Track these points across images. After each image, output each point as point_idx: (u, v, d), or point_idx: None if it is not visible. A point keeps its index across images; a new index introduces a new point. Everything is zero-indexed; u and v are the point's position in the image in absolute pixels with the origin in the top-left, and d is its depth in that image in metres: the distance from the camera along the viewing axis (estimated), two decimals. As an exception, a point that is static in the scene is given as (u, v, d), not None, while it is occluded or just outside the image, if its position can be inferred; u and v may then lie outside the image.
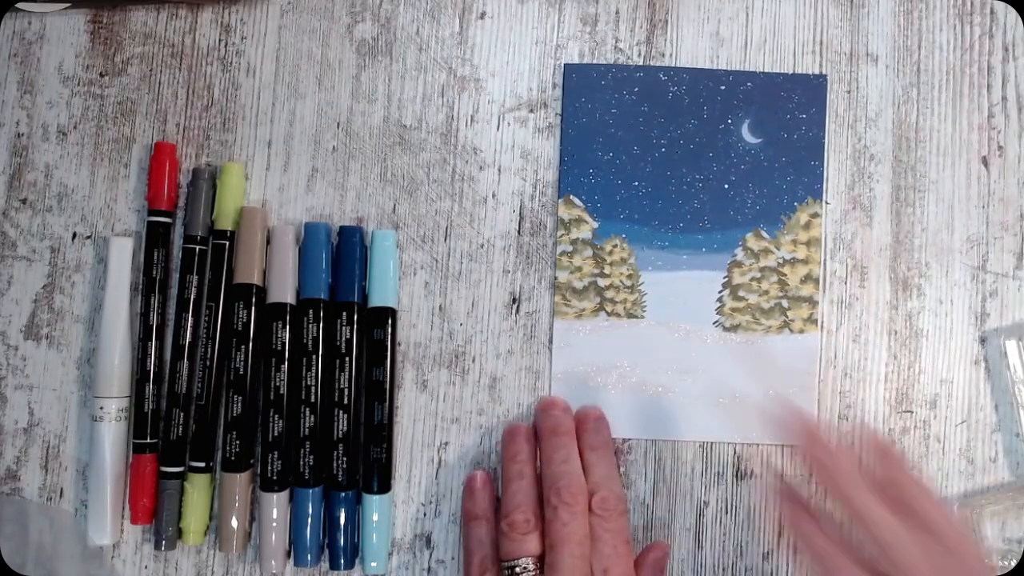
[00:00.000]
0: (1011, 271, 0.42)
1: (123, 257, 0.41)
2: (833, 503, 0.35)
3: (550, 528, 0.35)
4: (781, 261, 0.42)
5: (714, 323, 0.41)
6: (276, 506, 0.39)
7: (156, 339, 0.41)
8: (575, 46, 0.42)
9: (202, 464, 0.40)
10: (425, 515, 0.41)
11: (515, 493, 0.37)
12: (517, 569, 0.35)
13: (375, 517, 0.40)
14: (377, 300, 0.40)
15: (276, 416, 0.39)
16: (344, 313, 0.40)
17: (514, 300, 0.42)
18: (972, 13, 0.43)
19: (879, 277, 0.42)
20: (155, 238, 0.41)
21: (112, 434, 0.40)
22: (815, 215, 0.42)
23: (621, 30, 0.42)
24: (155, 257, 0.41)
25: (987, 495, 0.40)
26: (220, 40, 0.42)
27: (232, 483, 0.40)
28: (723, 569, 0.41)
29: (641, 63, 0.42)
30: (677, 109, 0.42)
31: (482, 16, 0.43)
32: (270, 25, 0.42)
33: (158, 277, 0.41)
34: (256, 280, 0.40)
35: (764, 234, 0.42)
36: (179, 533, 0.40)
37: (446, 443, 0.41)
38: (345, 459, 0.40)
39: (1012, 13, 0.42)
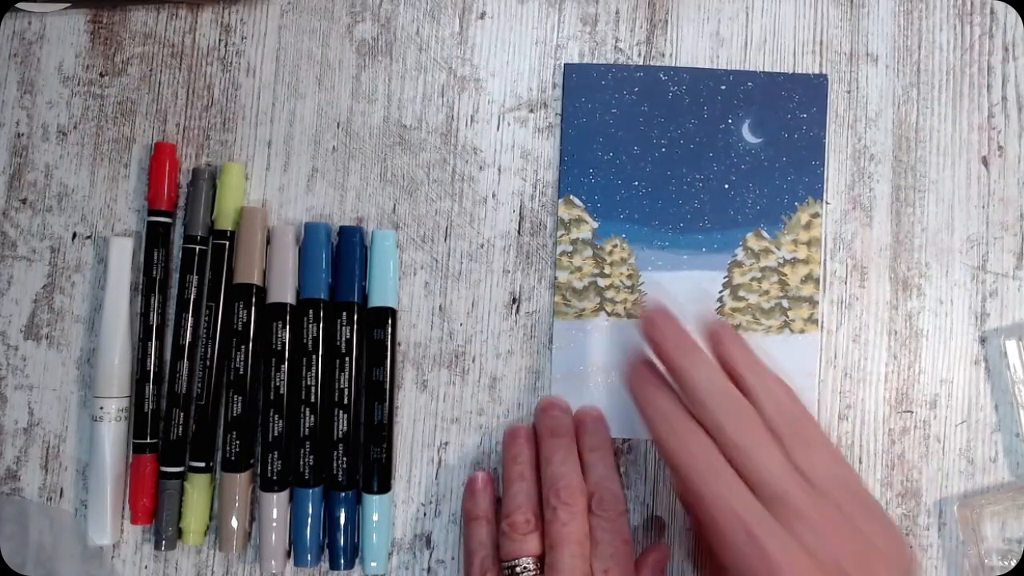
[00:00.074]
0: (1011, 271, 0.42)
1: (123, 257, 0.41)
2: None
3: (549, 529, 0.36)
4: (782, 261, 0.42)
5: (714, 323, 0.41)
6: (276, 506, 0.39)
7: (156, 339, 0.41)
8: (575, 46, 0.42)
9: (202, 464, 0.40)
10: (425, 515, 0.41)
11: (516, 494, 0.37)
12: (518, 569, 0.35)
13: (375, 517, 0.40)
14: (377, 300, 0.40)
15: (276, 416, 0.39)
16: (344, 313, 0.40)
17: (514, 300, 0.42)
18: (972, 13, 0.43)
19: (879, 277, 0.42)
20: (155, 238, 0.41)
21: (112, 434, 0.40)
22: (816, 215, 0.42)
23: (621, 30, 0.42)
24: (155, 257, 0.41)
25: (987, 495, 0.40)
26: (220, 40, 0.42)
27: (232, 483, 0.40)
28: (723, 569, 0.41)
29: (641, 63, 0.42)
30: (677, 109, 0.42)
31: (482, 16, 0.43)
32: (270, 25, 0.42)
33: (158, 277, 0.41)
34: (256, 280, 0.40)
35: (764, 234, 0.42)
36: (179, 533, 0.40)
37: (446, 443, 0.41)
38: (345, 459, 0.40)
39: (1012, 13, 0.42)
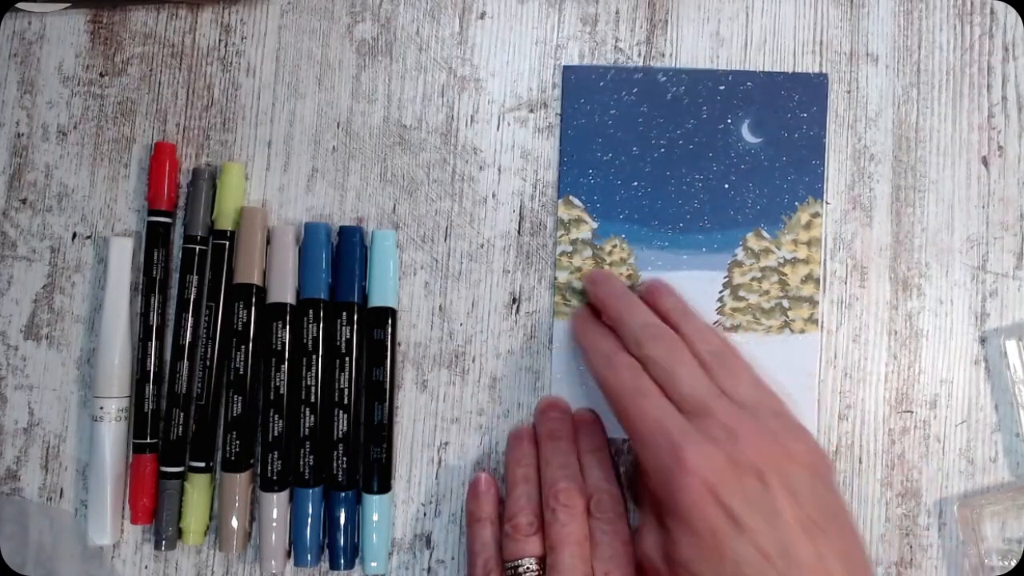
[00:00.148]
0: (1011, 271, 0.42)
1: (123, 257, 0.41)
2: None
3: (550, 531, 0.36)
4: (782, 261, 0.41)
5: (715, 323, 0.41)
6: (276, 506, 0.39)
7: (156, 339, 0.41)
8: (575, 46, 0.42)
9: (202, 464, 0.40)
10: (425, 515, 0.41)
11: (519, 497, 0.37)
12: (520, 570, 0.35)
13: (375, 517, 0.40)
14: (377, 300, 0.40)
15: (276, 416, 0.39)
16: (344, 313, 0.40)
17: (514, 300, 0.42)
18: (972, 13, 0.42)
19: (879, 277, 0.42)
20: (155, 238, 0.41)
21: (112, 434, 0.40)
22: (816, 215, 0.42)
23: (621, 30, 0.42)
24: (155, 257, 0.41)
25: (987, 495, 0.40)
26: (220, 40, 0.42)
27: (232, 483, 0.40)
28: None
29: (641, 63, 0.42)
30: (676, 109, 0.42)
31: (482, 16, 0.43)
32: (270, 25, 0.42)
33: (158, 277, 0.41)
34: (256, 280, 0.40)
35: (764, 234, 0.42)
36: (179, 533, 0.40)
37: (446, 443, 0.41)
38: (345, 459, 0.40)
39: (1012, 13, 0.42)
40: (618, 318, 0.38)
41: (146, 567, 0.41)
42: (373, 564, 0.40)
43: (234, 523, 0.40)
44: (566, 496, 0.36)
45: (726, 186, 0.42)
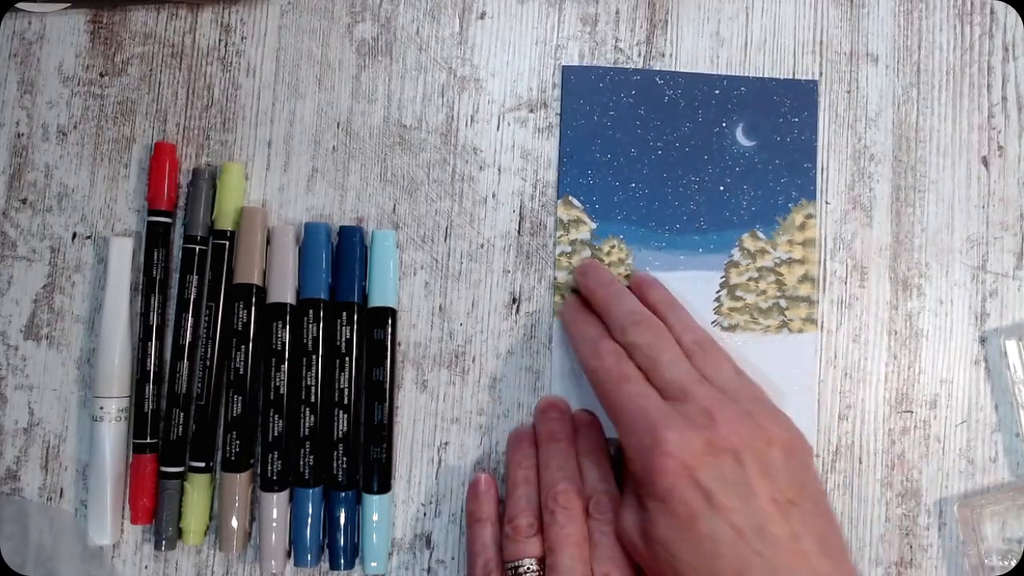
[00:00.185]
0: (1011, 271, 0.42)
1: (123, 257, 0.41)
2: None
3: (548, 532, 0.36)
4: (778, 261, 0.42)
5: (712, 323, 0.41)
6: (276, 506, 0.39)
7: (156, 339, 0.41)
8: (575, 46, 0.42)
9: (202, 464, 0.40)
10: (425, 515, 0.41)
11: (519, 498, 0.37)
12: (521, 570, 0.36)
13: (375, 517, 0.40)
14: (377, 300, 0.40)
15: (276, 416, 0.39)
16: (344, 313, 0.40)
17: (514, 300, 0.42)
18: (972, 13, 0.42)
19: (879, 277, 0.42)
20: (155, 238, 0.41)
21: (112, 434, 0.40)
22: (810, 216, 0.42)
23: (621, 30, 0.42)
24: (155, 257, 0.41)
25: (987, 495, 0.40)
26: (220, 40, 0.42)
27: (232, 483, 0.40)
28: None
29: (641, 63, 0.42)
30: (673, 112, 0.42)
31: (482, 16, 0.43)
32: (270, 25, 0.42)
33: (158, 277, 0.41)
34: (256, 280, 0.40)
35: (760, 235, 0.42)
36: (179, 533, 0.40)
37: (446, 443, 0.41)
38: (345, 459, 0.40)
39: (1012, 13, 0.42)
40: (605, 306, 0.38)
41: (146, 567, 0.41)
42: (373, 564, 0.40)
43: (234, 523, 0.40)
44: (565, 498, 0.36)
45: (721, 188, 0.42)
